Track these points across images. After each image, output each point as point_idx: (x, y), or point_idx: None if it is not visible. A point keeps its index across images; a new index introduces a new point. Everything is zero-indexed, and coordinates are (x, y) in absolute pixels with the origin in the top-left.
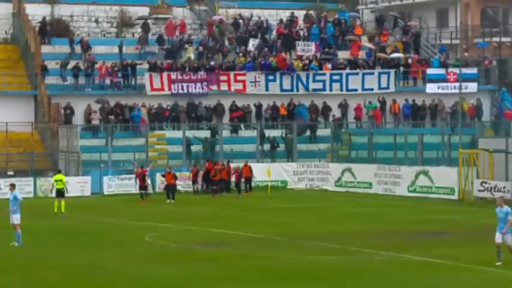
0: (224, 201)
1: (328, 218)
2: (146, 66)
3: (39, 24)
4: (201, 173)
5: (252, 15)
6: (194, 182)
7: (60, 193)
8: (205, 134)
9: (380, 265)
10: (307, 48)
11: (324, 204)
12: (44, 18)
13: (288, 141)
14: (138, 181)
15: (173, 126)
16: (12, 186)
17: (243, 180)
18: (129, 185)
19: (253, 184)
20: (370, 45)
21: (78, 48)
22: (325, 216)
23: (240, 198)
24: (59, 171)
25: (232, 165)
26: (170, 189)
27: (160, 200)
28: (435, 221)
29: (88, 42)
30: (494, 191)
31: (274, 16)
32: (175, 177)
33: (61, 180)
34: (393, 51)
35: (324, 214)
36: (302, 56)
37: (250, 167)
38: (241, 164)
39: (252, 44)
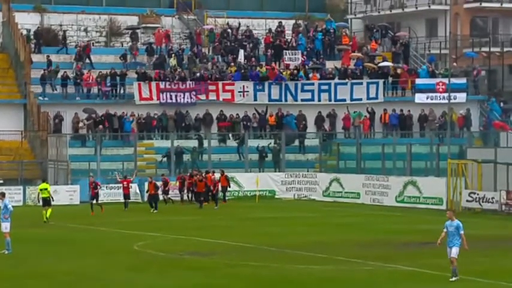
0: (212, 211)
1: (316, 228)
2: (135, 75)
3: (26, 33)
4: (187, 182)
5: (240, 25)
6: (181, 190)
7: (46, 202)
8: (194, 143)
9: (368, 275)
10: (294, 57)
11: (311, 214)
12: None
13: (275, 152)
14: (122, 190)
15: (162, 135)
16: (2, 195)
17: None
18: (117, 194)
19: (241, 194)
20: (359, 55)
21: (67, 57)
22: (313, 226)
23: (216, 209)
24: (44, 180)
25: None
26: (153, 199)
27: (144, 209)
28: (423, 231)
29: (90, 49)
30: (483, 202)
31: (262, 26)
32: (156, 187)
33: (46, 189)
34: (382, 61)
35: (311, 224)
36: (289, 65)
37: (227, 176)
38: (218, 174)
39: (243, 55)
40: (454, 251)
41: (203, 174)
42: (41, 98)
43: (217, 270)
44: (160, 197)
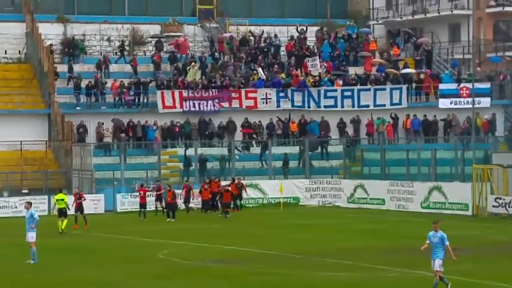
0: (235, 218)
1: (341, 235)
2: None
3: (52, 44)
4: (193, 191)
5: (262, 32)
6: (187, 200)
7: (62, 212)
8: (217, 151)
9: (393, 281)
10: (314, 63)
11: (336, 220)
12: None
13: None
14: (139, 199)
15: (185, 143)
16: (29, 204)
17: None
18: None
19: (265, 201)
20: (381, 61)
21: (90, 67)
22: (338, 233)
23: (228, 218)
24: (60, 191)
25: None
26: (170, 208)
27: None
28: (449, 237)
29: (108, 60)
30: (509, 207)
31: (284, 33)
32: (175, 195)
33: (62, 200)
34: (405, 67)
35: (336, 230)
36: (311, 71)
37: (237, 184)
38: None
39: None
40: (437, 264)
41: (207, 182)
42: (78, 107)
43: (242, 278)
44: (183, 206)
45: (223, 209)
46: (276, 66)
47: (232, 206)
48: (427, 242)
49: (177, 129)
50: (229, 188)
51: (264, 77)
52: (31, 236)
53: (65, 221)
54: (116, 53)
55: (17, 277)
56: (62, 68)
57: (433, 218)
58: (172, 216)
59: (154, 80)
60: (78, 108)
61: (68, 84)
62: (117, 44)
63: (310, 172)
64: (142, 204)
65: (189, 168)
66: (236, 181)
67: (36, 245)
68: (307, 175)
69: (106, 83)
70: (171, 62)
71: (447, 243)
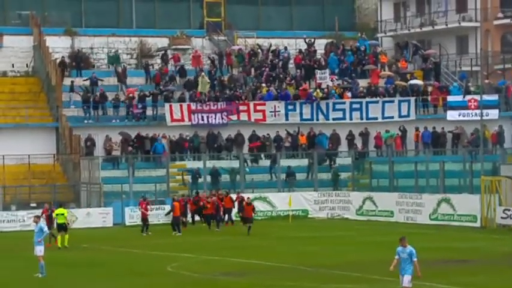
0: (244, 231)
1: (349, 247)
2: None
3: (60, 57)
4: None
5: (270, 45)
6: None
7: (62, 227)
8: (226, 164)
9: None
10: (323, 76)
11: (345, 233)
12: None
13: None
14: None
15: (194, 156)
16: (37, 217)
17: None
18: (150, 215)
19: (274, 214)
20: (391, 73)
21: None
22: (347, 245)
23: (218, 231)
24: (60, 205)
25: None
26: (176, 222)
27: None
28: (457, 248)
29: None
30: None
31: (293, 45)
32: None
33: (62, 214)
34: (412, 78)
35: (345, 243)
36: (320, 84)
37: (231, 198)
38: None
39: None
40: (406, 280)
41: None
42: (88, 121)
43: None
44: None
45: (205, 221)
46: (287, 79)
47: (226, 219)
48: (396, 257)
49: (187, 144)
50: (210, 200)
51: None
52: (39, 250)
53: (66, 236)
54: (124, 65)
55: None
56: (68, 81)
57: (441, 230)
58: (178, 230)
59: (166, 91)
60: (86, 121)
61: (69, 98)
62: (125, 57)
63: (319, 184)
64: (144, 219)
65: (197, 181)
66: (236, 195)
67: (44, 259)
68: (316, 188)
69: (119, 96)
70: (180, 75)
71: (415, 259)
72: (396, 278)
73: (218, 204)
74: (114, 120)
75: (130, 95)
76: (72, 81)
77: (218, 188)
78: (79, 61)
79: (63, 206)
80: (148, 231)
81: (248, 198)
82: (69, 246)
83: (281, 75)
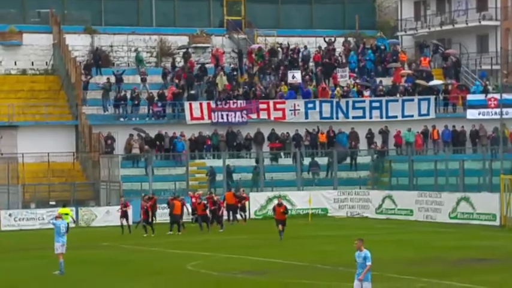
0: (262, 229)
1: (369, 245)
2: (186, 95)
3: (82, 59)
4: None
5: (288, 44)
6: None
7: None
8: (246, 162)
9: None
10: (344, 74)
11: (364, 231)
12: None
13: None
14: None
15: (213, 155)
16: (60, 216)
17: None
18: (166, 214)
19: (294, 212)
20: (411, 72)
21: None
22: (366, 244)
23: (222, 231)
24: (64, 205)
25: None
26: (203, 220)
27: (195, 229)
28: (476, 247)
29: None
30: None
31: (313, 44)
32: (205, 207)
33: (66, 214)
34: (432, 79)
35: (364, 241)
36: (340, 82)
37: (235, 194)
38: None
39: (292, 76)
40: (367, 286)
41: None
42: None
43: None
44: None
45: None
46: (307, 77)
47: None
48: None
49: (209, 142)
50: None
51: (299, 80)
52: (59, 247)
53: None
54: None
55: None
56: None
57: (461, 228)
58: (178, 229)
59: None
60: (105, 120)
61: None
62: (145, 55)
63: (339, 183)
64: (145, 219)
65: (215, 179)
66: (240, 192)
67: (63, 257)
68: (336, 186)
69: (140, 93)
70: (201, 73)
71: (369, 263)
72: (416, 277)
73: (207, 206)
74: (134, 119)
75: (151, 93)
76: (88, 79)
77: (232, 187)
78: (98, 59)
79: (68, 205)
80: (150, 231)
81: (279, 198)
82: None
83: (303, 73)
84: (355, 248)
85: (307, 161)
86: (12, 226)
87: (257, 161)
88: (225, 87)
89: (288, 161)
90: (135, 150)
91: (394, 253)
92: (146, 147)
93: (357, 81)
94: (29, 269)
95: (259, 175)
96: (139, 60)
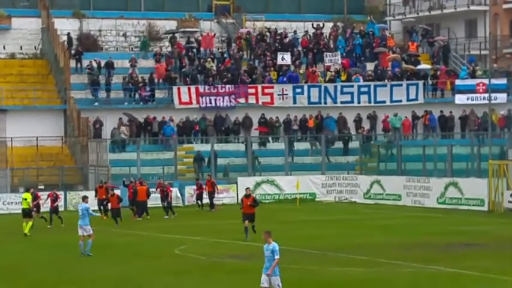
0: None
1: (357, 230)
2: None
3: (66, 39)
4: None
5: (276, 29)
6: (199, 197)
7: (26, 213)
8: (233, 147)
9: (410, 277)
10: (334, 59)
11: (352, 216)
12: (68, 33)
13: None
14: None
15: (201, 139)
16: (85, 198)
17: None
18: (157, 198)
19: (281, 197)
20: (397, 56)
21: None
22: (354, 229)
23: (168, 218)
24: (27, 190)
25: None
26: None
27: (186, 214)
28: (465, 232)
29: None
30: None
31: (301, 28)
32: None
33: (25, 199)
34: (420, 63)
35: (352, 226)
36: (329, 67)
37: (213, 183)
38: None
39: (282, 57)
40: (275, 281)
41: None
42: (95, 103)
43: (259, 273)
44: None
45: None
46: (296, 62)
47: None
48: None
49: (197, 127)
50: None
51: (289, 62)
52: (79, 230)
53: (30, 223)
54: (131, 48)
55: (35, 273)
56: (75, 63)
57: (449, 213)
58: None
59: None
60: (95, 104)
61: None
62: (133, 39)
63: (327, 168)
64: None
65: (202, 164)
66: (208, 178)
67: (84, 239)
68: (324, 171)
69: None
70: (189, 57)
71: (277, 256)
72: (404, 262)
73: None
74: (125, 103)
75: (139, 78)
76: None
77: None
78: (86, 43)
79: (31, 190)
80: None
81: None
82: (29, 234)
83: (292, 58)
84: (264, 240)
85: (296, 146)
86: (1, 210)
87: (246, 146)
88: (214, 72)
89: (277, 146)
90: (123, 136)
91: (382, 238)
92: (134, 130)
93: (349, 70)
94: (15, 253)
95: (257, 159)
96: (144, 45)
